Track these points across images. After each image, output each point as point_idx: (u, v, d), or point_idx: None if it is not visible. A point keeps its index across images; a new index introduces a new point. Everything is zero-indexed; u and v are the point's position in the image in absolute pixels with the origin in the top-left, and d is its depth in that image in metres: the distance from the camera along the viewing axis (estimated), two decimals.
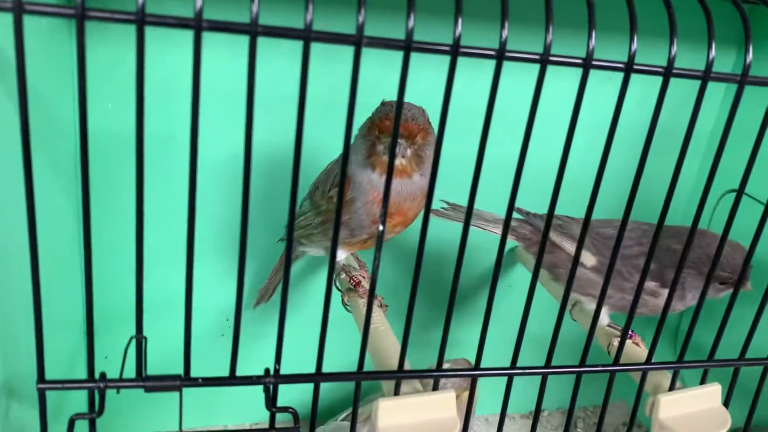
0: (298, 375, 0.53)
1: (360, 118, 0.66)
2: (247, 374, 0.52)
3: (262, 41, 0.42)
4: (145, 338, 0.49)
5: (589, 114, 0.79)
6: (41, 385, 0.48)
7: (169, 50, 0.77)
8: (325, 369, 0.54)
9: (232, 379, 0.52)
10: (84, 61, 0.39)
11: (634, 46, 0.48)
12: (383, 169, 0.63)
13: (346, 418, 0.93)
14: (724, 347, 0.67)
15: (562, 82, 0.70)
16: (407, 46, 0.43)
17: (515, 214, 0.85)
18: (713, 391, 0.67)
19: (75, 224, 0.78)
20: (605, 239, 0.77)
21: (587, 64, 0.47)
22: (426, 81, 0.81)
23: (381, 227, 0.49)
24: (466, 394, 0.80)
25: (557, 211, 0.65)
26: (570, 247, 0.78)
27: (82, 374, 0.49)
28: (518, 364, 0.59)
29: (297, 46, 0.42)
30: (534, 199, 0.92)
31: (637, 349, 0.74)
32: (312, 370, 0.54)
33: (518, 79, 0.76)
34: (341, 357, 0.84)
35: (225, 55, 0.77)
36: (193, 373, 0.51)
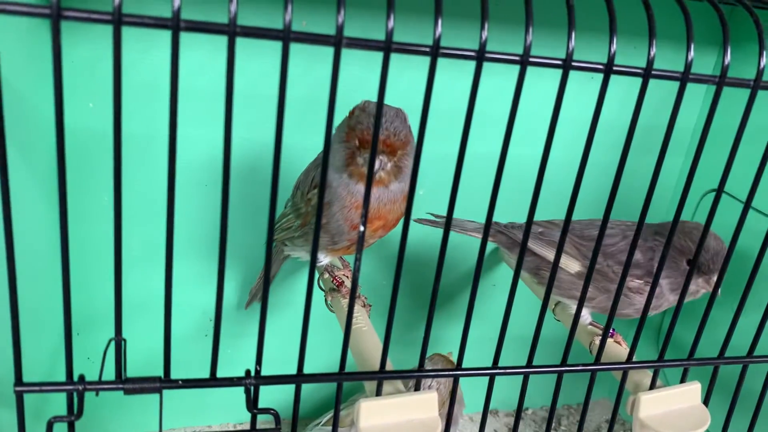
0: (279, 376, 0.53)
1: (341, 119, 0.66)
2: (231, 375, 0.52)
3: (245, 41, 0.41)
4: (125, 340, 0.49)
5: (572, 114, 0.80)
6: (18, 388, 0.47)
7: (151, 50, 0.76)
8: (310, 370, 0.53)
9: (213, 381, 0.51)
10: (60, 63, 0.39)
11: (614, 47, 0.48)
12: (361, 179, 0.63)
13: (329, 421, 0.93)
14: (705, 346, 0.68)
15: (544, 83, 0.71)
16: (387, 47, 0.43)
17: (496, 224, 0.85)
18: (693, 390, 0.67)
19: (55, 224, 0.77)
20: (590, 241, 0.77)
21: (567, 65, 0.48)
22: (408, 81, 0.81)
23: (362, 228, 0.49)
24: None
25: (541, 211, 0.66)
26: (551, 256, 0.78)
27: (63, 376, 0.49)
28: (503, 363, 0.60)
29: (278, 46, 0.42)
30: (517, 200, 0.93)
31: (618, 348, 0.75)
32: (296, 371, 0.54)
33: (500, 79, 0.76)
34: (325, 357, 0.84)
35: (205, 55, 0.77)
36: (178, 374, 0.51)
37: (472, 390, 0.89)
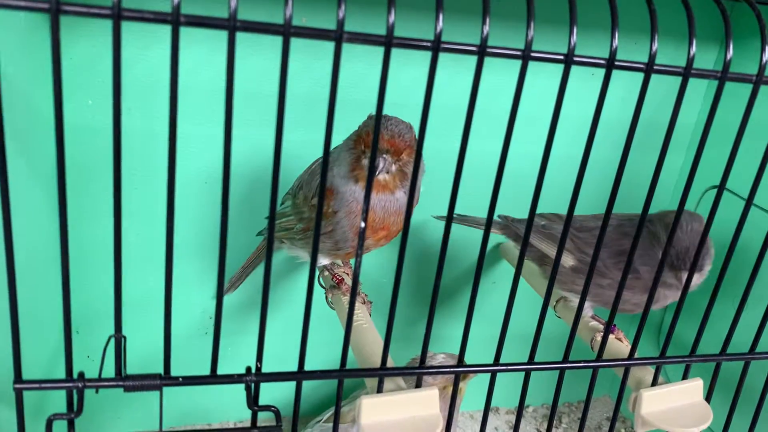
0: (279, 373, 0.53)
1: (342, 116, 0.66)
2: (232, 373, 0.52)
3: (245, 37, 0.41)
4: (125, 337, 0.49)
5: (574, 111, 0.80)
6: (18, 385, 0.47)
7: (152, 46, 0.76)
8: (311, 367, 0.53)
9: (213, 378, 0.51)
10: (59, 58, 0.39)
11: (615, 42, 0.48)
12: (363, 180, 0.63)
13: (331, 417, 0.93)
14: (707, 342, 0.68)
15: (546, 80, 0.71)
16: (388, 42, 0.43)
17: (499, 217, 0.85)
18: (695, 386, 0.67)
19: (55, 222, 0.77)
20: (588, 231, 0.77)
21: (569, 60, 0.47)
22: (409, 78, 0.81)
23: (362, 224, 0.49)
24: (450, 387, 0.81)
25: (543, 208, 0.66)
26: (549, 251, 0.78)
27: (63, 374, 0.49)
28: (505, 360, 0.59)
29: (278, 42, 0.41)
30: (520, 197, 0.93)
31: (620, 345, 0.74)
32: (296, 368, 0.54)
33: (502, 77, 0.76)
34: (326, 355, 0.84)
35: (206, 52, 0.76)
36: (178, 371, 0.50)
37: (473, 387, 0.89)
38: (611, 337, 0.75)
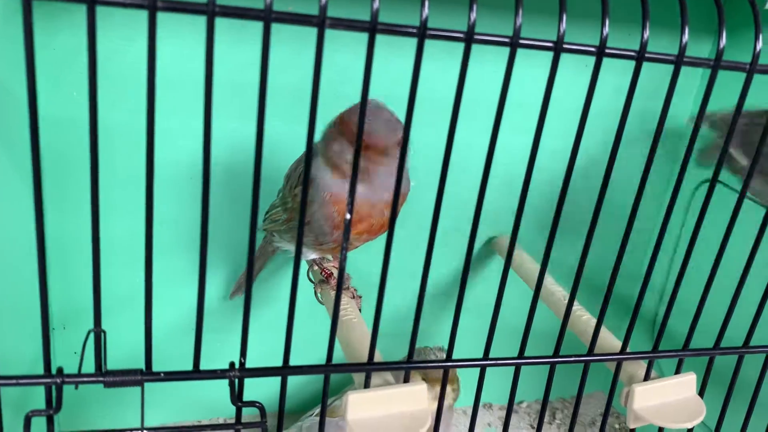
0: (263, 369, 0.52)
1: (332, 108, 0.65)
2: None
3: (229, 29, 0.40)
4: (104, 332, 0.48)
5: (566, 104, 0.78)
6: None
7: (136, 37, 0.75)
8: (301, 363, 0.52)
9: (196, 373, 0.50)
10: (32, 47, 0.38)
11: (606, 29, 0.47)
12: (342, 174, 0.62)
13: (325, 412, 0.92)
14: (700, 336, 0.67)
15: (539, 70, 0.70)
16: (372, 28, 0.42)
17: None
18: (688, 381, 0.66)
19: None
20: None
21: (558, 48, 0.46)
22: (395, 70, 0.79)
23: (348, 216, 0.48)
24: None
25: (532, 200, 0.65)
26: None
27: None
28: (498, 355, 0.59)
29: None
30: (509, 190, 0.92)
31: (612, 339, 0.74)
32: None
33: (490, 68, 0.75)
34: (316, 351, 0.83)
35: (191, 44, 0.75)
36: (170, 367, 0.50)
37: (465, 383, 0.88)
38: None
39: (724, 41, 0.49)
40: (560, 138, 0.75)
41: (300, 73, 0.80)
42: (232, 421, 0.98)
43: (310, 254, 0.72)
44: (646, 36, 0.47)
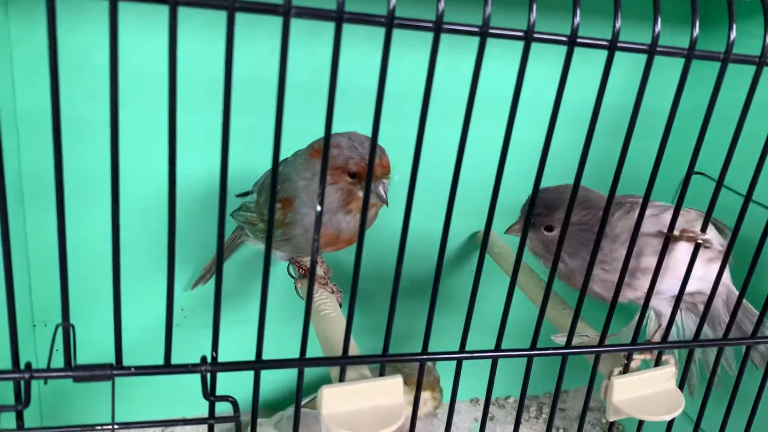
0: (235, 363, 0.51)
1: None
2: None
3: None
4: (73, 326, 0.48)
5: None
6: None
7: (120, 31, 0.74)
8: (281, 358, 0.52)
9: (167, 368, 0.50)
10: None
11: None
12: (358, 210, 0.64)
13: (308, 404, 0.92)
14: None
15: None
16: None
17: None
18: (668, 374, 0.66)
19: (20, 214, 0.75)
20: None
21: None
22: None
23: (319, 207, 0.48)
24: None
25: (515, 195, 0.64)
26: None
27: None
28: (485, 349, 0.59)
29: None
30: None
31: (593, 332, 0.74)
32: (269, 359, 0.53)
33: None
34: (297, 346, 0.83)
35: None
36: (150, 363, 0.49)
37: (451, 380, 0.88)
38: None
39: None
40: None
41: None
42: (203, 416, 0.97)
43: (285, 257, 0.72)
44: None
